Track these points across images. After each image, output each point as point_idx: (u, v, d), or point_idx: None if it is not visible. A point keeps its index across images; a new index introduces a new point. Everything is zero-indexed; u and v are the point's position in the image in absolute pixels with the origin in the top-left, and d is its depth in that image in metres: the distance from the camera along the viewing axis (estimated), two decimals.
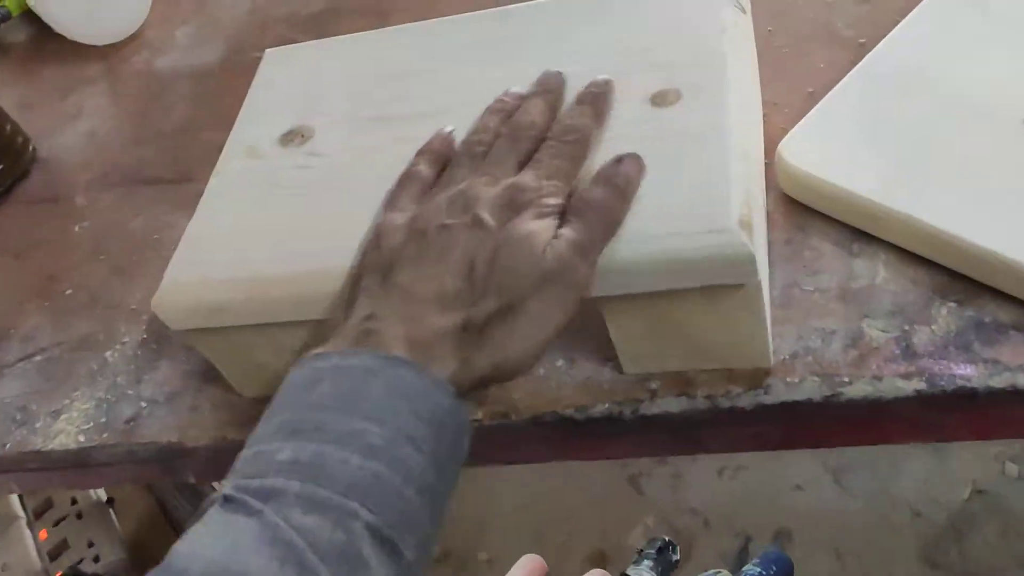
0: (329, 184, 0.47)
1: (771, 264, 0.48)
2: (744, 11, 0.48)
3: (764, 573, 0.59)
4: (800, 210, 0.50)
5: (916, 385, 0.42)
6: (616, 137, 0.43)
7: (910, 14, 0.53)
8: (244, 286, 0.44)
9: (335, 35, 0.72)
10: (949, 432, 0.44)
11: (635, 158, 0.41)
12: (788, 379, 0.43)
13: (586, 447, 0.48)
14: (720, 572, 0.63)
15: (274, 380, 0.49)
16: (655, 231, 0.39)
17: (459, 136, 0.46)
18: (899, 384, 0.42)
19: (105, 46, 0.81)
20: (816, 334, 0.45)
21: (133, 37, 0.82)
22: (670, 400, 0.45)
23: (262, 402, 0.51)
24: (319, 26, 0.75)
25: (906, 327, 0.43)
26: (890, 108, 0.49)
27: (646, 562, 0.58)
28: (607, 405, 0.45)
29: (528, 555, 0.54)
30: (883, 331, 0.44)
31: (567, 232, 0.39)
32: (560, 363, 0.48)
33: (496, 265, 0.38)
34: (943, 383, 0.41)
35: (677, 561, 0.65)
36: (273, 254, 0.45)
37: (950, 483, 1.32)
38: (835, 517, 1.31)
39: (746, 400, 0.44)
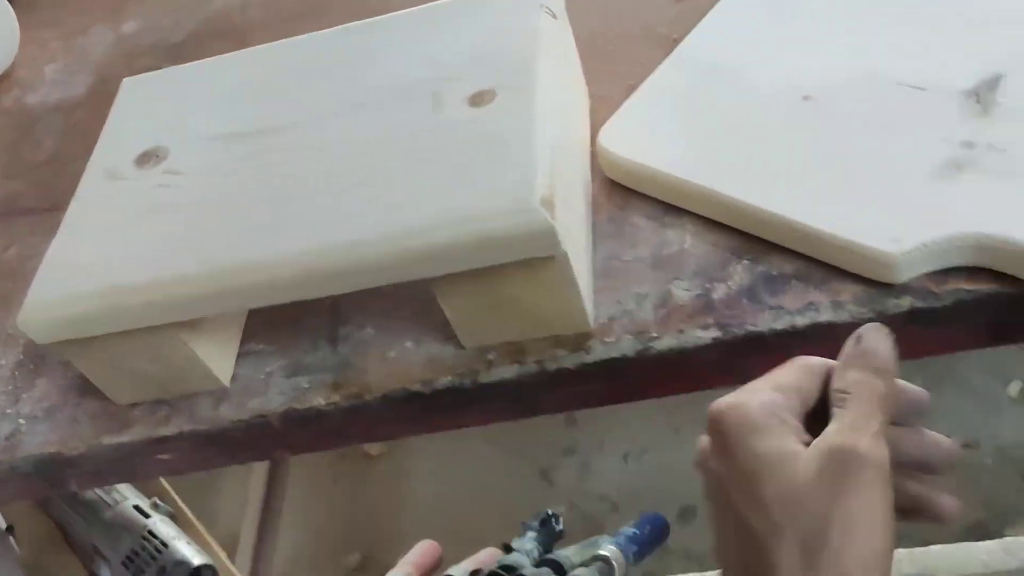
0: (186, 199, 0.51)
1: (596, 241, 0.53)
2: (555, 16, 0.53)
3: (638, 532, 0.64)
4: (622, 192, 0.55)
5: (713, 334, 0.47)
6: (440, 137, 0.48)
7: (711, 12, 0.60)
8: (105, 295, 0.48)
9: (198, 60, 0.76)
10: (750, 374, 0.49)
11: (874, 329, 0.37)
12: (606, 339, 0.49)
13: (437, 419, 0.52)
14: (601, 537, 0.68)
15: (146, 385, 0.53)
16: (470, 214, 0.44)
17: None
18: (699, 334, 0.48)
19: None
20: (632, 299, 0.50)
21: (3, 77, 0.84)
22: (505, 368, 0.50)
23: (138, 407, 0.55)
24: (183, 53, 0.78)
25: (707, 285, 0.49)
26: (693, 95, 0.55)
27: (529, 533, 0.62)
28: (450, 378, 0.50)
29: (423, 541, 0.59)
30: (687, 291, 0.49)
31: None
32: (408, 344, 0.52)
33: None
34: (735, 330, 0.47)
35: (561, 531, 0.70)
36: (132, 264, 0.48)
37: None
38: None
39: (571, 361, 0.49)
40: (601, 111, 0.59)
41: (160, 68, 0.75)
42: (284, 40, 0.58)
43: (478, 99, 0.49)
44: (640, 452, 1.47)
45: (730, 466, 0.35)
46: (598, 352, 0.49)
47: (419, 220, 0.45)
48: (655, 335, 0.48)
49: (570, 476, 1.49)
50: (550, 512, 0.70)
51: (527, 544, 0.58)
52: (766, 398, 0.36)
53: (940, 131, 0.48)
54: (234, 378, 0.54)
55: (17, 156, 0.76)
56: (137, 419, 0.54)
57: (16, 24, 0.83)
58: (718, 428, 0.36)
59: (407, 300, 0.53)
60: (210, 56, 0.76)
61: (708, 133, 0.53)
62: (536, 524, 0.65)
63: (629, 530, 0.65)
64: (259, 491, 1.42)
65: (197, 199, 0.50)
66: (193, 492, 1.46)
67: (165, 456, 0.55)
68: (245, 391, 0.53)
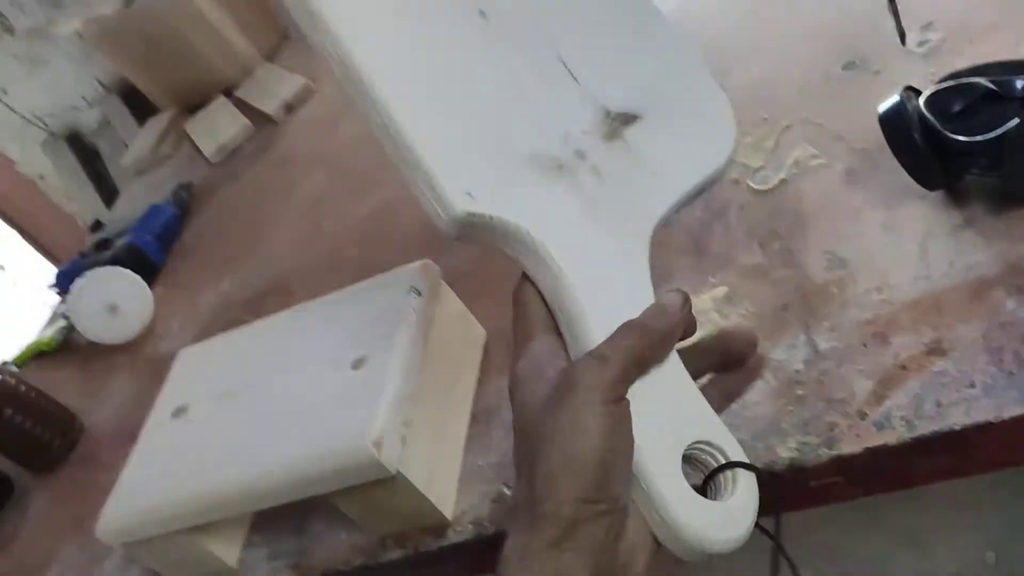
0: (192, 441, 0.76)
1: (468, 447, 0.73)
2: (419, 293, 0.74)
3: None
4: (504, 404, 0.74)
5: None
6: (333, 393, 0.70)
7: None
8: (142, 512, 0.73)
9: (262, 312, 1.03)
10: None
11: None
12: (457, 528, 0.67)
13: None
14: None
15: (183, 570, 0.77)
16: (332, 450, 0.65)
17: None
18: None
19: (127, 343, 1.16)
20: (479, 496, 0.68)
21: (148, 330, 1.17)
22: (395, 551, 0.69)
23: None
24: (254, 305, 1.06)
25: None
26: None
27: None
28: (361, 559, 0.70)
29: None
30: (511, 490, 0.67)
31: None
32: (343, 535, 0.73)
33: None
34: None
35: None
36: (158, 489, 0.73)
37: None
38: None
39: (434, 545, 0.68)
40: (496, 342, 0.79)
41: (240, 319, 1.03)
42: (267, 317, 0.84)
43: (357, 364, 0.70)
44: None
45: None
46: (451, 538, 0.67)
47: (301, 457, 0.66)
48: (487, 525, 0.66)
49: None
50: None
51: None
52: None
53: (567, 126, 0.49)
54: (240, 562, 0.78)
55: (147, 393, 1.06)
56: None
57: (151, 301, 1.16)
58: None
59: None
60: (268, 308, 1.03)
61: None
62: None
63: None
64: None
65: (197, 440, 0.75)
66: None
67: None
68: (244, 572, 0.77)
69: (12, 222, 2.30)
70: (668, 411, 0.43)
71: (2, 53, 1.85)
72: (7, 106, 1.93)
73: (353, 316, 0.76)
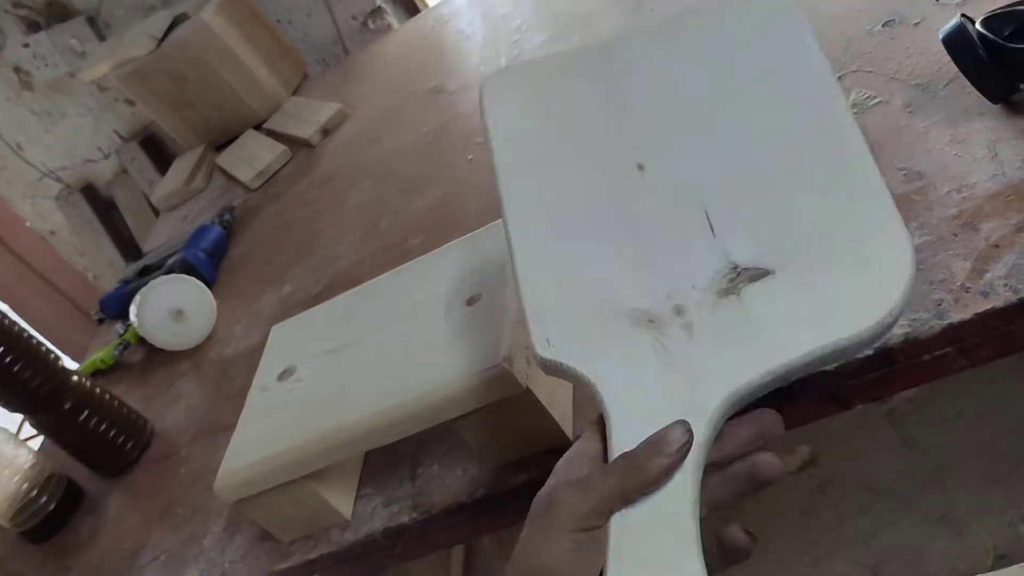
0: (304, 395, 0.79)
1: None
2: None
3: None
4: None
5: None
6: (450, 329, 0.74)
7: None
8: (256, 465, 0.75)
9: None
10: None
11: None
12: None
13: (484, 522, 0.75)
14: None
15: (297, 526, 0.79)
16: (465, 372, 0.69)
17: None
18: None
19: (191, 348, 1.18)
20: None
21: (208, 338, 1.19)
22: (519, 477, 0.72)
23: (295, 543, 0.81)
24: (322, 300, 1.10)
25: None
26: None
27: None
28: (483, 489, 0.73)
29: None
30: None
31: None
32: (459, 472, 0.76)
33: None
34: None
35: None
36: (272, 442, 0.76)
37: (972, 554, 1.45)
38: None
39: None
40: None
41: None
42: (363, 284, 0.88)
43: (472, 301, 0.75)
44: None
45: None
46: None
47: (432, 383, 0.70)
48: None
49: None
50: None
51: None
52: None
53: (678, 283, 0.49)
54: (354, 514, 0.80)
55: (220, 391, 1.09)
56: (294, 551, 0.81)
57: (214, 305, 1.19)
58: None
59: (456, 445, 0.78)
60: None
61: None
62: None
63: None
64: None
65: (310, 394, 0.78)
66: None
67: (315, 574, 0.80)
68: (360, 520, 0.79)
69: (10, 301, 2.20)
70: (650, 545, 0.42)
71: (20, 108, 1.89)
72: (24, 160, 1.96)
73: (452, 266, 0.80)
